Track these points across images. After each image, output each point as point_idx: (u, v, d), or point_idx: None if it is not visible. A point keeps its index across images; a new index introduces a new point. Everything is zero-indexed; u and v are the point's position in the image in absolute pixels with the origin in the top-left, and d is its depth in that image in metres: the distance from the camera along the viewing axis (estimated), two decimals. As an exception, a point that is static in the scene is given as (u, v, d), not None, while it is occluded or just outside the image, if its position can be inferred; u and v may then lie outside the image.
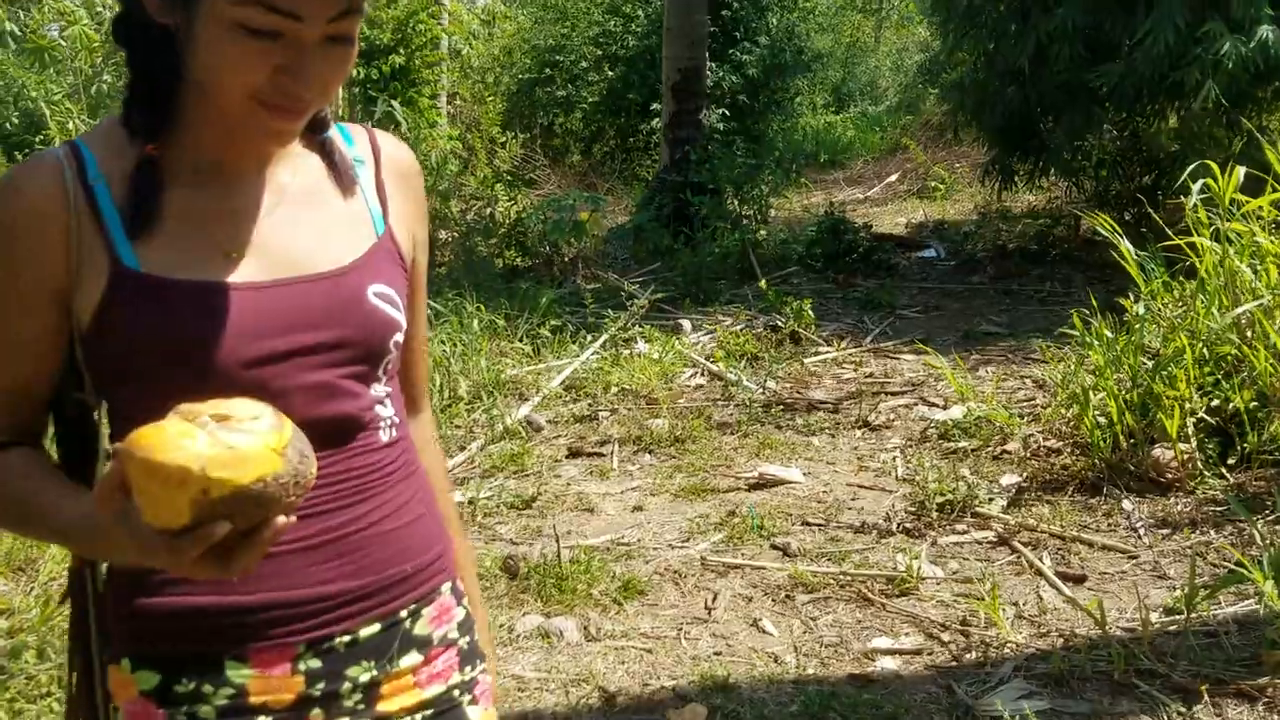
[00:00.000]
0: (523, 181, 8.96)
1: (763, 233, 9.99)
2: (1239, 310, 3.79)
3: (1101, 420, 3.91)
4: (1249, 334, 3.81)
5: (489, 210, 8.95)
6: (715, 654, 2.95)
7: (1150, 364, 3.96)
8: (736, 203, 9.59)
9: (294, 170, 1.10)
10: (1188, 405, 3.76)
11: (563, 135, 17.78)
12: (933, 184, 13.10)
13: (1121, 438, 3.82)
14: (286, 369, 1.02)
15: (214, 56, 0.95)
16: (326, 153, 1.12)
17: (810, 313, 6.60)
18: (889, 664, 2.87)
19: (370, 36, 9.61)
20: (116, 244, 1.00)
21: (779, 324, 6.60)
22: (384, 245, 1.12)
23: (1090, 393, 3.92)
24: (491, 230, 8.71)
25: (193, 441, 0.84)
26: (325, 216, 1.10)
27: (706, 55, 10.51)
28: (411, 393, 1.24)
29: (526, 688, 2.79)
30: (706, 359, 6.01)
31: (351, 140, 1.17)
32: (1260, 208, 4.03)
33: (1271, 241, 3.99)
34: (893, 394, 5.33)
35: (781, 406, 5.16)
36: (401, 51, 9.65)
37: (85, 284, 1.00)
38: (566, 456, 4.61)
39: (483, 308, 6.25)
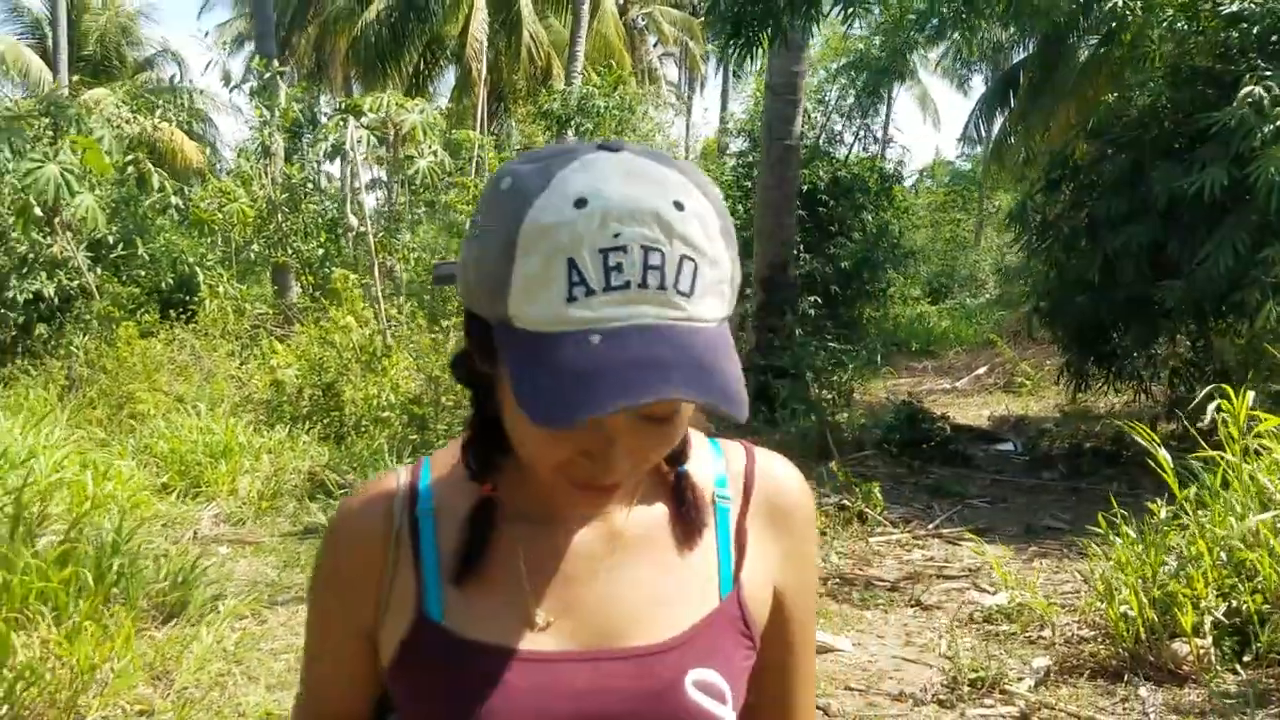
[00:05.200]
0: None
1: (844, 416, 10.52)
2: (1252, 520, 4.15)
3: (1128, 613, 4.26)
4: (1261, 542, 4.16)
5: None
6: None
7: (1174, 564, 4.32)
8: (816, 387, 10.14)
9: (633, 511, 0.97)
10: (1204, 604, 4.10)
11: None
12: (1019, 380, 13.50)
13: (1142, 630, 4.16)
14: None
15: (515, 428, 0.87)
16: (678, 491, 0.98)
17: (879, 495, 7.06)
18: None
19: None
20: (426, 587, 0.95)
21: (847, 503, 7.05)
22: (727, 611, 0.96)
23: (1113, 588, 4.28)
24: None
25: None
26: (660, 572, 0.96)
27: (794, 253, 11.32)
28: None
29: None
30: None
31: (723, 470, 1.02)
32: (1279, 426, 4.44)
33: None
34: (949, 578, 5.71)
35: (840, 580, 5.58)
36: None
37: (390, 623, 0.96)
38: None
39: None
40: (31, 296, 11.78)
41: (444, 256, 12.43)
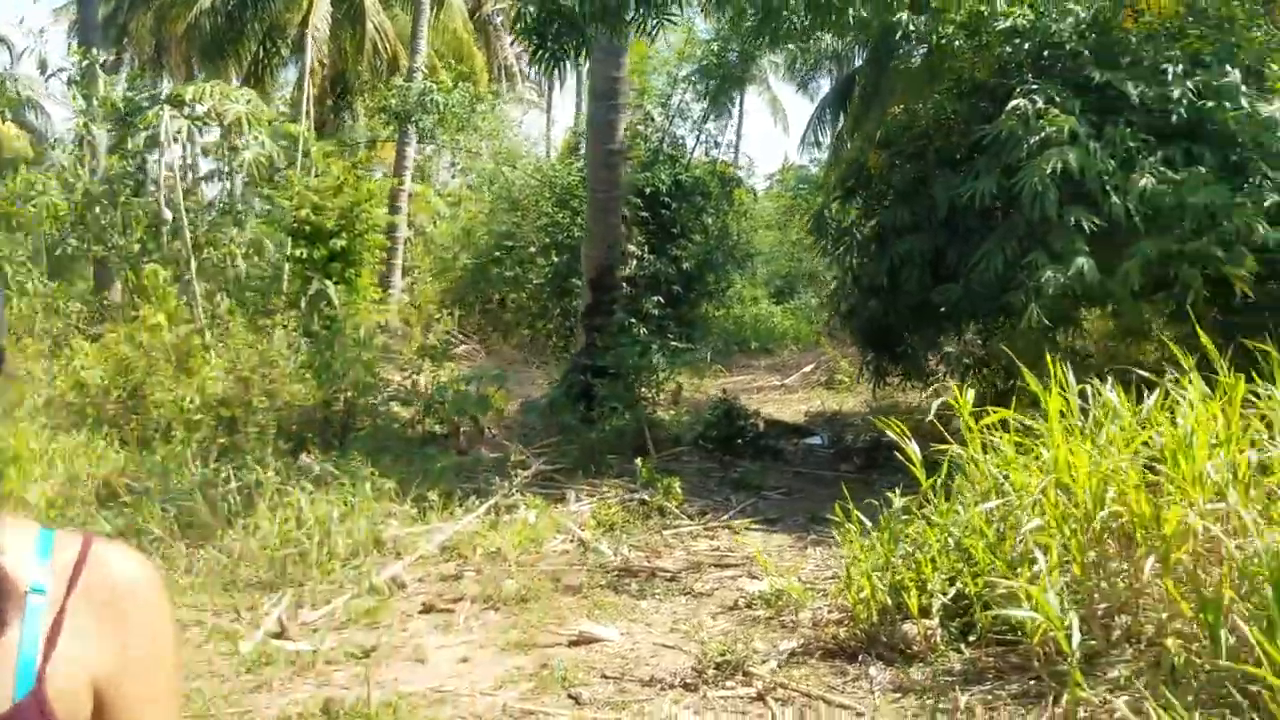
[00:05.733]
0: (443, 355, 9.73)
1: (670, 414, 10.83)
2: (966, 512, 4.52)
3: (865, 597, 4.58)
4: (977, 530, 4.53)
5: (410, 381, 9.72)
6: (486, 781, 3.51)
7: (910, 551, 4.66)
8: (638, 386, 10.38)
9: None
10: (931, 588, 4.44)
11: (514, 311, 18.94)
12: (839, 377, 14.08)
13: (875, 613, 4.49)
14: None
15: None
16: None
17: (679, 490, 7.33)
18: (627, 793, 3.45)
19: (315, 222, 10.57)
20: None
21: (646, 499, 7.29)
22: (24, 707, 0.91)
23: (851, 573, 4.61)
24: (410, 400, 9.45)
25: None
26: None
27: (622, 255, 11.54)
28: None
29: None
30: (579, 527, 6.67)
31: (48, 554, 0.98)
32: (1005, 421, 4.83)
33: (1015, 453, 4.76)
34: (726, 566, 5.99)
35: (626, 573, 5.80)
36: (344, 236, 10.59)
37: None
38: (420, 612, 5.19)
39: (375, 472, 6.91)
40: None
41: (276, 252, 12.19)
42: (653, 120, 20.14)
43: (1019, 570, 4.12)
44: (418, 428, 9.36)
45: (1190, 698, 3.44)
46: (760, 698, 4.14)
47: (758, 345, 20.58)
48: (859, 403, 12.42)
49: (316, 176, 11.33)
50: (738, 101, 32.66)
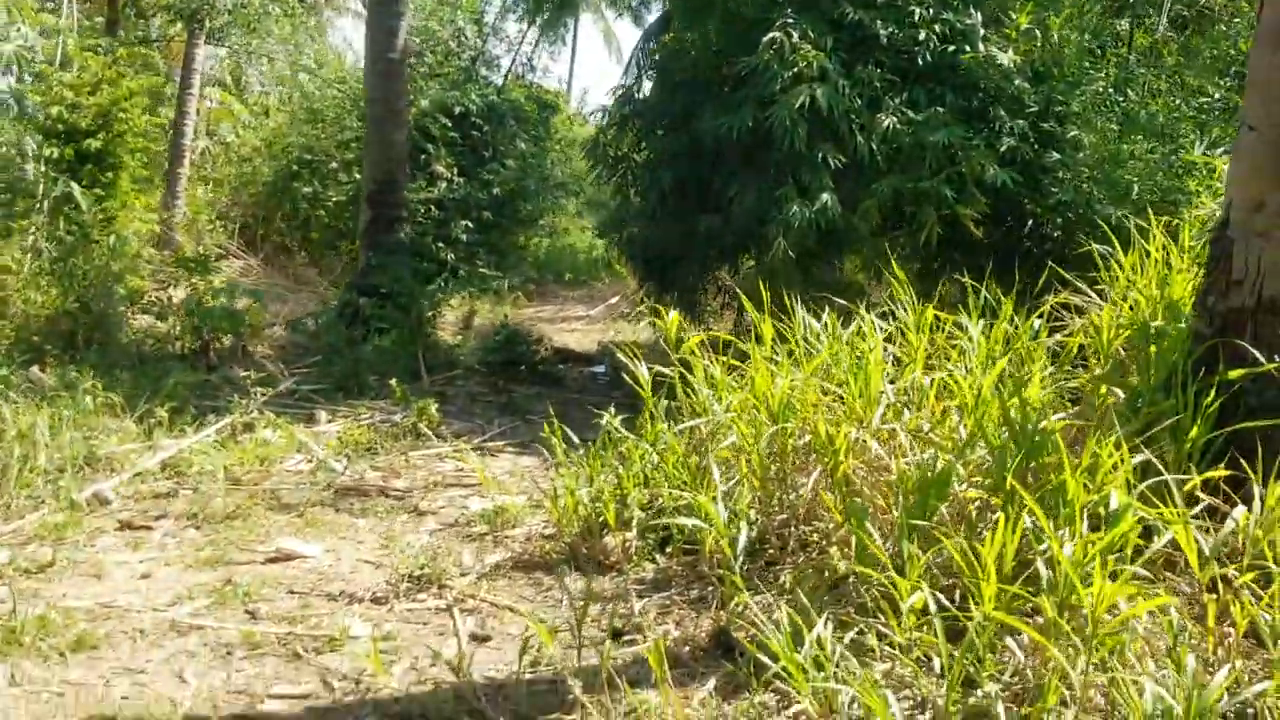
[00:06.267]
0: (204, 268, 9.22)
1: (457, 338, 10.68)
2: (667, 431, 4.60)
3: (568, 512, 4.61)
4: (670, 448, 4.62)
5: (167, 292, 9.21)
6: (123, 698, 3.34)
7: (614, 465, 4.71)
8: (414, 309, 10.17)
9: None
10: (630, 501, 4.50)
11: (320, 229, 18.17)
12: (640, 310, 14.20)
13: (577, 527, 4.52)
14: None
15: None
16: None
17: (434, 412, 7.20)
18: (276, 706, 3.35)
19: (69, 120, 9.79)
20: None
21: (399, 420, 7.14)
22: None
23: (557, 489, 4.62)
24: (164, 312, 8.94)
25: None
26: None
27: (405, 170, 11.19)
28: None
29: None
30: (320, 447, 6.47)
31: None
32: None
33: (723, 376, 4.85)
34: (463, 486, 5.93)
35: (354, 492, 5.66)
36: (100, 136, 9.85)
37: None
38: (116, 529, 4.93)
39: (99, 385, 6.51)
40: None
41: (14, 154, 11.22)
42: (465, 38, 19.60)
43: (705, 484, 4.21)
44: (176, 344, 8.90)
45: (844, 601, 3.59)
46: (448, 609, 4.10)
47: (572, 276, 20.51)
48: (657, 335, 12.56)
49: (75, 73, 10.45)
50: (571, 30, 32.14)
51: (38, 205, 9.42)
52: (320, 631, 3.86)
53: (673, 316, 4.89)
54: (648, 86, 9.42)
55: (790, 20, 7.23)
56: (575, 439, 5.02)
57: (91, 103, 9.99)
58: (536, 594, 4.28)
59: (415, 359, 9.36)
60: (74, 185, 8.98)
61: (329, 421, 7.22)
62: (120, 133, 10.07)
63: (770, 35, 7.11)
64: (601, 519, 4.54)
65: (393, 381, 7.62)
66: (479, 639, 3.86)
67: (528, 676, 3.45)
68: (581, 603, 3.58)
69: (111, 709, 3.24)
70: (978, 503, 3.64)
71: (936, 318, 4.66)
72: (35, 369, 7.24)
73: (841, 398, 4.32)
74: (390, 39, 10.36)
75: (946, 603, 3.01)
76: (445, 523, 5.22)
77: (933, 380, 4.21)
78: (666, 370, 5.04)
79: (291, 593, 4.26)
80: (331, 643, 3.76)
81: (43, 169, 9.55)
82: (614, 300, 16.57)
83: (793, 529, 4.18)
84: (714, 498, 3.92)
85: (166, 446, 6.12)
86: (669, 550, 4.53)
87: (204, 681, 3.49)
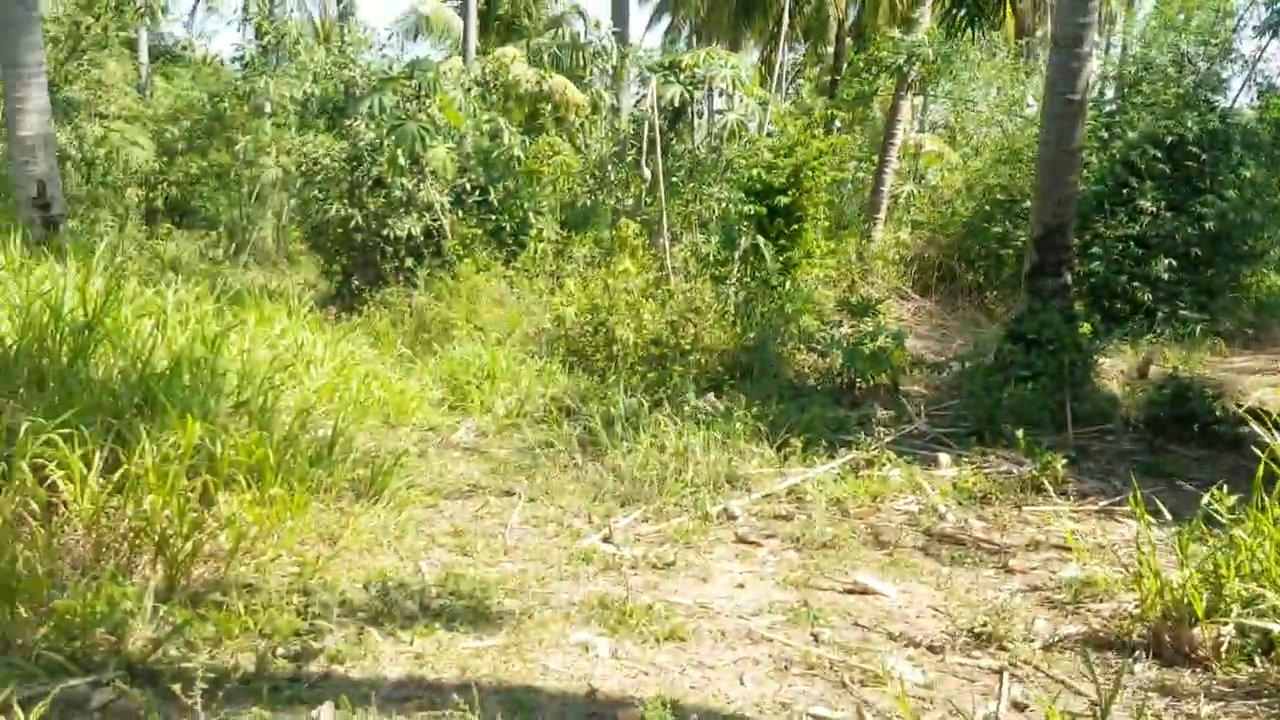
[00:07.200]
0: (863, 310, 9.91)
1: (1124, 389, 10.08)
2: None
3: (1155, 594, 4.23)
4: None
5: (834, 332, 10.11)
6: (691, 687, 3.92)
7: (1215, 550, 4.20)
8: (1064, 357, 9.75)
9: None
10: (1225, 591, 3.99)
11: (1008, 269, 18.18)
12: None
13: (1160, 611, 4.13)
14: None
15: None
16: None
17: (1060, 468, 6.95)
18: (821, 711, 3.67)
19: (765, 180, 11.26)
20: None
21: (1018, 471, 7.01)
22: None
23: (1146, 566, 4.26)
24: (826, 350, 9.81)
25: None
26: None
27: (1073, 214, 10.76)
28: None
29: (548, 674, 3.97)
30: (934, 490, 6.67)
31: None
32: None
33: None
34: (1066, 549, 5.67)
35: (949, 540, 5.76)
36: (790, 193, 11.16)
37: None
38: (732, 541, 5.66)
39: (749, 413, 7.44)
40: (404, 234, 13.93)
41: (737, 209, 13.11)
42: (1189, 63, 18.13)
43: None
44: (835, 381, 9.71)
45: None
46: (999, 671, 4.05)
47: (1302, 323, 17.72)
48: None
49: (776, 137, 11.98)
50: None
51: (735, 255, 10.98)
52: (869, 666, 4.08)
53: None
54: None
55: None
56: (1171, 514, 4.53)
57: (786, 163, 11.36)
58: (1100, 674, 4.01)
59: (1061, 409, 9.01)
60: (760, 239, 10.31)
61: (950, 466, 7.34)
62: (807, 189, 11.29)
63: None
64: (1189, 606, 4.10)
65: (1018, 433, 7.48)
66: (1018, 707, 3.77)
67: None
68: (1109, 690, 3.32)
69: (679, 692, 3.83)
70: None
71: None
72: (710, 396, 8.50)
73: None
74: (1070, 80, 10.10)
75: None
76: (1030, 584, 5.08)
77: None
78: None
79: (856, 625, 4.54)
80: (876, 680, 3.96)
81: (744, 225, 11.11)
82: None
83: None
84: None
85: (794, 474, 6.79)
86: (1275, 655, 3.93)
87: (759, 689, 3.94)
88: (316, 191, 14.06)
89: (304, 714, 3.46)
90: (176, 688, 3.19)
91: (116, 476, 4.49)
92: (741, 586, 4.98)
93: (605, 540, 5.54)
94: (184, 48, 24.79)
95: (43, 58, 10.07)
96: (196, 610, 4.04)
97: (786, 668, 4.11)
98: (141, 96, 20.70)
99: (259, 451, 5.23)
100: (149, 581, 4.16)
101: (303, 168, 14.66)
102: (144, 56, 22.95)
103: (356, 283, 13.93)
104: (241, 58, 18.66)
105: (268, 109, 19.68)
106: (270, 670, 3.76)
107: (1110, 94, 19.20)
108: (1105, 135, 16.89)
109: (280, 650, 3.91)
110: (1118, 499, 6.81)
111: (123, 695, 3.37)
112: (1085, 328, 9.98)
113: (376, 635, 4.16)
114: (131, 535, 4.39)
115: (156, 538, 4.34)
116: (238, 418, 5.85)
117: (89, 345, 5.68)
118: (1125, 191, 15.99)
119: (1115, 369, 11.59)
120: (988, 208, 18.13)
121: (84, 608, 3.80)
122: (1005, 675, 4.00)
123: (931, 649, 4.28)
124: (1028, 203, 17.52)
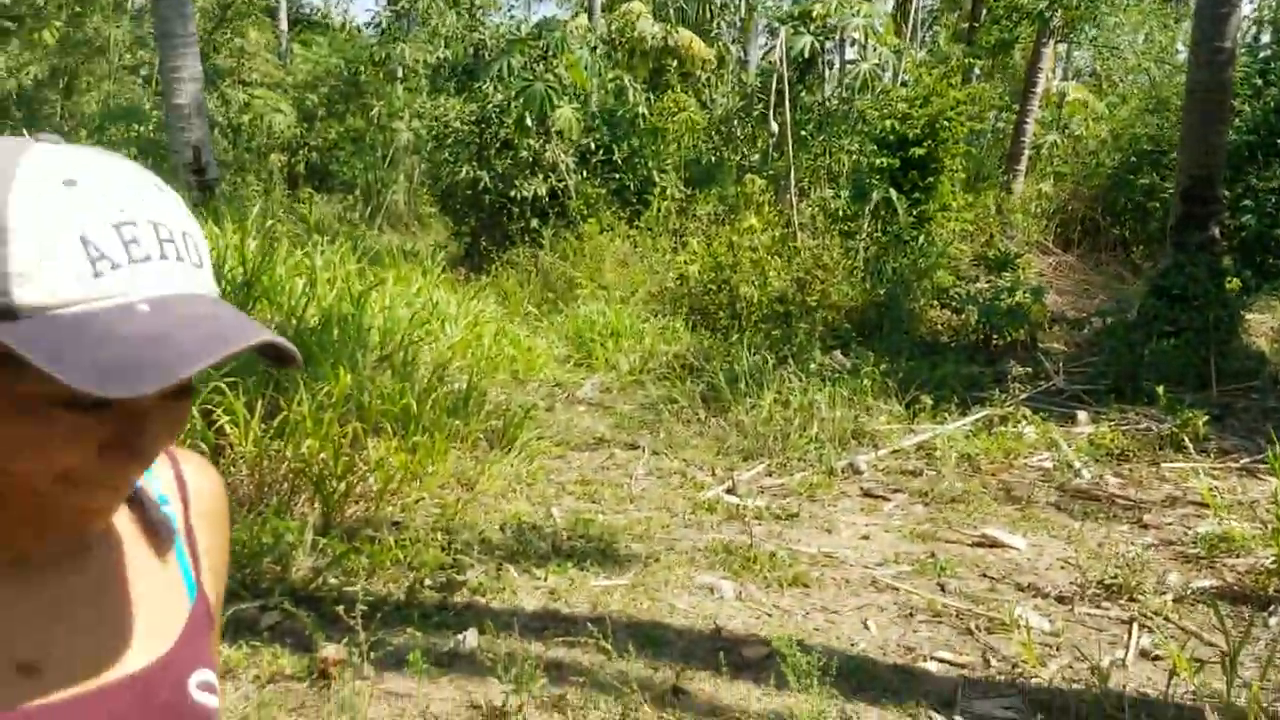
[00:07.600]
0: (1001, 264, 9.68)
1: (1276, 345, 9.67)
2: None
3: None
4: None
5: (971, 287, 9.93)
6: (815, 629, 4.02)
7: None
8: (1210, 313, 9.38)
9: (101, 535, 0.91)
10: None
11: (1156, 222, 17.41)
12: None
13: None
14: None
15: (4, 430, 0.76)
16: (138, 502, 0.95)
17: (1202, 424, 6.76)
18: (934, 668, 3.73)
19: (899, 131, 11.07)
20: None
21: (1157, 429, 6.83)
22: (198, 614, 0.95)
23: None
24: (960, 306, 9.65)
25: None
26: (138, 588, 0.92)
27: (1222, 165, 10.28)
28: None
29: (675, 613, 4.14)
30: (1070, 447, 6.56)
31: (155, 477, 0.98)
32: None
33: None
34: (1203, 505, 5.54)
35: (1083, 495, 5.69)
36: (925, 144, 10.95)
37: None
38: (858, 495, 5.71)
39: (878, 369, 7.42)
40: (530, 195, 14.22)
41: (856, 158, 12.92)
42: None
43: None
44: (971, 336, 9.56)
45: None
46: (1128, 622, 4.03)
47: None
48: None
49: (911, 87, 11.74)
50: None
51: (865, 209, 10.86)
52: (996, 615, 4.12)
53: None
54: None
55: None
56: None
57: (921, 114, 11.15)
58: (1233, 626, 3.95)
59: (1205, 366, 8.70)
60: (892, 191, 10.18)
61: (1088, 423, 7.20)
62: (943, 140, 11.07)
63: None
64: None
65: (1159, 388, 7.27)
66: (1147, 656, 3.76)
67: (1175, 701, 3.31)
68: (1238, 640, 3.29)
69: (804, 634, 3.94)
70: None
71: None
72: (838, 353, 8.50)
73: None
74: (1218, 26, 9.63)
75: None
76: (1164, 539, 5.00)
77: None
78: None
79: (984, 576, 4.56)
80: (1003, 627, 4.00)
81: (875, 178, 10.97)
82: None
83: None
84: None
85: (924, 430, 6.78)
86: None
87: (884, 633, 4.02)
88: (446, 154, 14.43)
89: (452, 638, 3.71)
90: (339, 609, 3.47)
91: (276, 422, 4.82)
92: (866, 538, 5.04)
93: (729, 491, 5.66)
94: (322, 16, 25.63)
95: (195, 27, 10.60)
96: (351, 544, 4.34)
97: (911, 615, 4.17)
98: (282, 64, 21.52)
99: (403, 401, 5.52)
100: (307, 518, 4.49)
101: (433, 131, 15.06)
102: (284, 25, 23.78)
103: (484, 244, 14.29)
104: (377, 24, 19.19)
105: (400, 74, 20.23)
106: (419, 599, 4.03)
107: (1266, 39, 18.17)
108: (1259, 82, 15.98)
109: (427, 581, 4.18)
110: (1260, 457, 6.58)
111: (289, 617, 3.66)
112: (1234, 283, 9.55)
113: (513, 571, 4.39)
114: (291, 475, 4.72)
115: (314, 478, 4.66)
116: (382, 370, 6.18)
117: (248, 302, 6.07)
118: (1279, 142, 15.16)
119: (1265, 325, 11.07)
120: (1134, 159, 17.36)
121: (251, 540, 4.13)
122: (1134, 625, 3.98)
123: (1060, 599, 4.29)
124: (1176, 154, 16.79)
